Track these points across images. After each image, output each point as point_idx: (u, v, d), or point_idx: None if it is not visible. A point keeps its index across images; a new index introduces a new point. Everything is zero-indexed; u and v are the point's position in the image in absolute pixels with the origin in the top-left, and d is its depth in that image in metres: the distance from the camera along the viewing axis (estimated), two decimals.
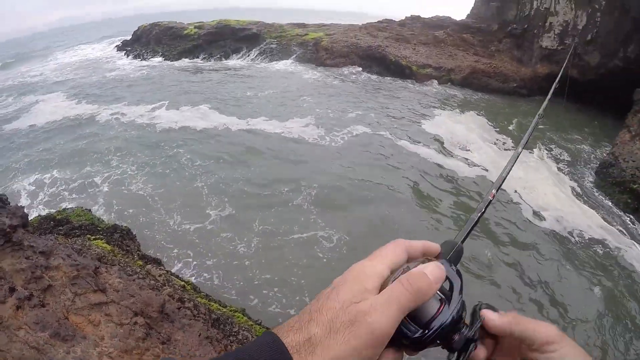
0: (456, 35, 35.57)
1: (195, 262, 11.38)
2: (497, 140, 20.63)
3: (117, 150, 19.03)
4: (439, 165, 17.58)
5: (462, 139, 20.21)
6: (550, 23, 29.14)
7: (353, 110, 23.94)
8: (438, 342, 0.92)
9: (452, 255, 1.07)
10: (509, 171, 1.66)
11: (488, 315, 1.00)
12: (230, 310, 8.22)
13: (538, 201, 15.17)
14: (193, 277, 10.46)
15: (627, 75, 22.93)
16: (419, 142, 19.69)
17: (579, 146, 21.09)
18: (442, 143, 19.76)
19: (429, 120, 22.78)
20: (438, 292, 0.93)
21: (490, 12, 35.66)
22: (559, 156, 19.63)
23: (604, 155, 18.17)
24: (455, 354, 0.96)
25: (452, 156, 18.45)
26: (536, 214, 14.46)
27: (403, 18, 43.01)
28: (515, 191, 15.71)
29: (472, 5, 39.72)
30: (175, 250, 11.88)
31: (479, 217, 1.32)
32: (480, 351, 1.01)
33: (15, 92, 34.64)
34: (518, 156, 1.78)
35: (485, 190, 1.66)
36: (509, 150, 19.53)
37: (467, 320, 1.00)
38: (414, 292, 0.87)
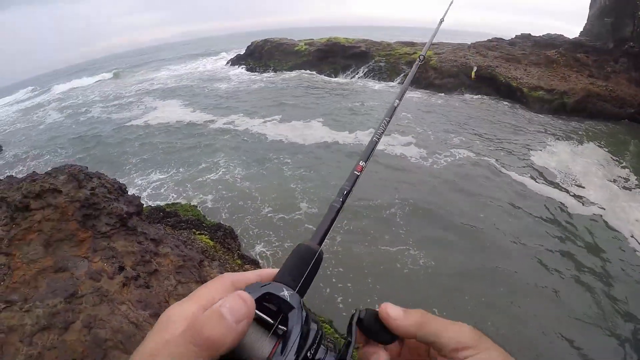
0: (569, 54, 34.35)
1: None
2: (617, 176, 19.32)
3: (228, 155, 20.98)
4: (548, 198, 16.95)
5: (575, 173, 19.33)
6: None
7: (456, 134, 24.01)
8: None
9: (295, 270, 0.92)
10: (382, 134, 1.43)
11: (390, 311, 0.92)
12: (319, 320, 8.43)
13: None
14: None
15: None
16: (526, 174, 19.13)
17: None
18: (553, 176, 19.03)
19: (539, 150, 22.00)
20: (278, 325, 0.79)
21: (605, 28, 34.14)
22: None
23: None
24: None
25: (563, 191, 17.63)
26: None
27: (513, 37, 42.13)
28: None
29: (585, 21, 38.34)
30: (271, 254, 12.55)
31: (340, 207, 1.12)
32: (382, 356, 0.93)
33: (137, 97, 39.73)
34: (394, 110, 1.64)
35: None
36: (627, 189, 18.10)
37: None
38: (203, 344, 0.67)
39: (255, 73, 47.84)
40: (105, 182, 6.89)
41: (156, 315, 4.76)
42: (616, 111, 28.60)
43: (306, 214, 14.86)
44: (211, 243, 9.83)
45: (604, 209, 16.06)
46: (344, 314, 9.53)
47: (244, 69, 50.87)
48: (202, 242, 9.55)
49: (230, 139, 23.66)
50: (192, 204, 14.14)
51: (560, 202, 16.59)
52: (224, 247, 10.39)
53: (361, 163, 1.26)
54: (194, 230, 10.89)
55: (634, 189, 18.10)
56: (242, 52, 56.38)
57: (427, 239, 13.54)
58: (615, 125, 27.44)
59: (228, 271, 6.71)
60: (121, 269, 5.60)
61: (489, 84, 33.82)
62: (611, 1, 34.00)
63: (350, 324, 0.92)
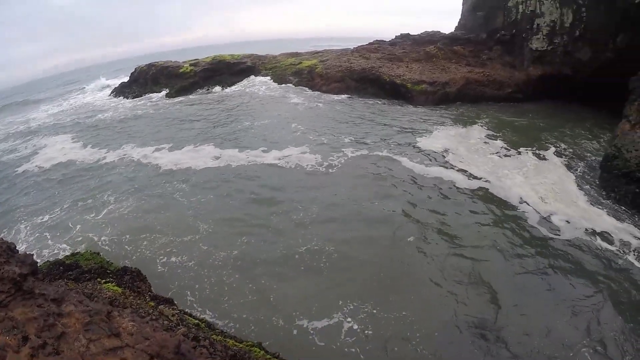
0: (447, 48, 35.89)
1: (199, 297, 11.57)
2: (497, 149, 20.73)
3: (124, 189, 19.50)
4: (438, 178, 17.73)
5: (459, 153, 20.37)
6: (538, 25, 29.52)
7: (348, 134, 24.27)
8: None
9: None
10: None
11: None
12: (247, 345, 8.16)
13: (545, 206, 15.18)
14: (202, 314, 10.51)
15: (619, 66, 23.05)
16: (416, 159, 19.86)
17: (579, 143, 21.13)
18: (441, 157, 19.96)
19: (425, 137, 22.93)
20: None
21: (478, 22, 36.14)
22: (561, 155, 19.64)
23: (608, 149, 17.62)
24: None
25: (450, 169, 18.57)
26: (544, 219, 14.39)
27: (393, 37, 43.16)
28: (521, 198, 15.72)
29: (460, 17, 39.99)
30: (185, 286, 12.11)
31: None
32: None
33: (21, 137, 36.21)
34: None
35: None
36: (509, 157, 19.73)
37: None
38: None
39: (141, 99, 45.74)
40: None
41: None
42: (496, 93, 30.77)
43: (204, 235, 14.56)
44: (119, 290, 9.25)
45: (489, 181, 17.15)
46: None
47: (130, 97, 48.51)
48: (109, 290, 8.99)
49: (123, 172, 22.20)
50: (92, 251, 12.96)
51: (450, 180, 17.38)
52: (134, 291, 9.78)
53: None
54: (98, 279, 10.16)
55: (512, 156, 19.71)
56: (126, 79, 54.17)
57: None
58: (494, 106, 29.69)
59: (142, 317, 6.81)
60: (25, 339, 5.01)
61: (374, 84, 34.61)
62: None
63: None
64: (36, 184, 22.14)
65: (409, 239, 13.28)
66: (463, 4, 40.24)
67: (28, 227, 16.94)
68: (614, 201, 15.35)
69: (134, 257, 13.80)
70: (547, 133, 22.40)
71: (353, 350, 9.10)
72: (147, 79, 48.68)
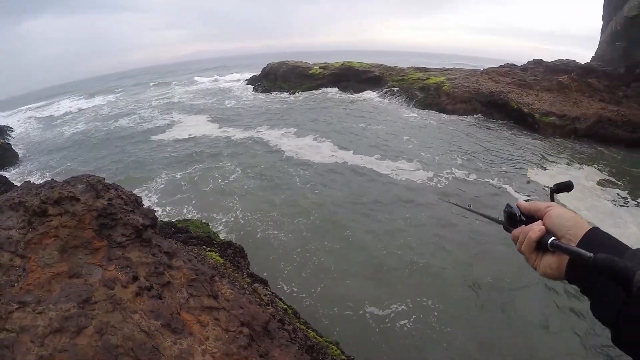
0: (581, 80, 34.39)
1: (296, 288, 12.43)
2: (614, 197, 19.84)
3: (244, 171, 22.07)
4: None
5: (575, 193, 19.56)
6: None
7: (460, 155, 24.75)
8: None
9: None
10: None
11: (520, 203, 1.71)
12: (326, 341, 8.54)
13: None
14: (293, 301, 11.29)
15: None
16: (524, 191, 19.85)
17: None
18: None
19: (539, 170, 22.74)
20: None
21: (617, 53, 34.41)
22: None
23: None
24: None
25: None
26: None
27: (525, 62, 42.07)
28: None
29: (597, 46, 38.21)
30: (284, 273, 13.15)
31: None
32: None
33: (162, 111, 42.26)
34: None
35: None
36: (626, 206, 18.81)
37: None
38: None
39: (270, 94, 48.29)
40: (122, 194, 6.91)
41: (168, 326, 5.14)
42: (629, 136, 28.49)
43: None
44: (221, 260, 9.79)
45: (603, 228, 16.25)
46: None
47: (259, 90, 51.33)
48: (212, 259, 9.54)
49: (247, 152, 25.21)
50: (203, 221, 14.14)
51: None
52: (234, 265, 10.40)
53: None
54: (204, 247, 10.87)
55: (630, 206, 18.87)
56: (258, 73, 56.95)
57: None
58: (624, 149, 27.66)
59: (239, 289, 7.25)
60: (135, 278, 5.63)
61: (501, 109, 34.12)
62: (622, 26, 34.19)
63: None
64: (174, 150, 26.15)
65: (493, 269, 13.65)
66: (601, 32, 38.49)
67: (156, 187, 20.32)
68: None
69: (242, 234, 15.38)
70: None
71: None
72: (278, 75, 51.23)
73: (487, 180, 20.89)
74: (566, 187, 1.73)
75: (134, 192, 7.44)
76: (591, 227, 1.39)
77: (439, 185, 20.14)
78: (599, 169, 23.35)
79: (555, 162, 24.20)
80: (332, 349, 8.25)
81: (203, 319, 5.63)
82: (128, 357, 4.60)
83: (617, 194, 20.04)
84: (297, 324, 8.23)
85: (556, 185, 1.74)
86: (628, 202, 19.24)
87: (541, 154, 25.60)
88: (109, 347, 4.61)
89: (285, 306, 9.08)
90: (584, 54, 45.39)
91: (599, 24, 40.30)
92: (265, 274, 12.09)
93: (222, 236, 14.01)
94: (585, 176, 22.16)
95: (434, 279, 13.04)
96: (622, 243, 1.28)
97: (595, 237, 1.33)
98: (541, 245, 1.47)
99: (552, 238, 1.40)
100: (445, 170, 21.82)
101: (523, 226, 1.59)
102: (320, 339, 8.39)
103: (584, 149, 27.52)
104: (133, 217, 6.48)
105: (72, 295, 4.96)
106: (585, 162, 24.52)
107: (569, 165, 24.03)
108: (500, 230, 1.82)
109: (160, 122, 35.91)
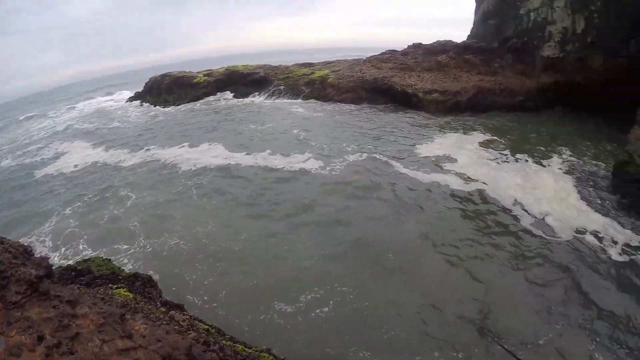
0: (458, 57, 35.94)
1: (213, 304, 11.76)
2: (497, 156, 21.14)
3: (140, 194, 20.40)
4: (435, 182, 18.36)
5: (458, 158, 20.99)
6: (550, 32, 29.54)
7: (349, 141, 25.04)
8: None
9: None
10: None
11: None
12: (256, 351, 8.28)
13: (540, 208, 15.58)
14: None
15: (631, 72, 23.54)
16: (413, 165, 20.53)
17: (585, 151, 21.36)
18: (439, 163, 20.57)
19: (426, 144, 23.58)
20: None
21: (489, 30, 36.24)
22: (564, 162, 20.00)
23: (619, 155, 17.94)
24: None
25: (448, 174, 19.15)
26: (537, 220, 14.82)
27: (405, 47, 43.29)
28: (515, 200, 16.23)
29: (472, 26, 40.06)
30: (197, 294, 12.30)
31: None
32: None
33: (44, 142, 38.51)
34: None
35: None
36: (508, 162, 20.19)
37: None
38: None
39: (156, 107, 46.54)
40: (9, 247, 6.29)
41: None
42: (507, 101, 30.62)
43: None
44: (131, 295, 9.22)
45: (485, 183, 17.76)
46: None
47: (145, 105, 49.38)
48: (120, 296, 8.92)
49: (144, 173, 23.56)
50: (104, 257, 13.26)
51: (445, 184, 18.08)
52: (145, 297, 9.89)
53: None
54: (110, 285, 10.20)
55: (511, 162, 20.18)
56: (141, 89, 54.92)
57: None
58: (504, 114, 29.77)
59: (154, 321, 6.92)
60: (40, 338, 5.10)
61: (386, 94, 34.91)
62: (494, 5, 36.22)
63: None
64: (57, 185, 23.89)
65: (402, 236, 14.11)
66: (475, 13, 40.51)
67: (44, 230, 17.97)
68: (625, 207, 15.40)
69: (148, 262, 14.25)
70: (553, 141, 22.71)
71: None
72: (162, 88, 49.59)
73: (378, 159, 21.41)
74: None
75: (21, 241, 6.87)
76: None
77: (333, 172, 20.27)
78: (482, 134, 24.77)
79: (441, 134, 25.29)
80: (264, 356, 8.18)
81: None
82: None
83: (500, 153, 21.35)
84: (223, 341, 8.00)
85: None
86: (508, 158, 20.63)
87: (427, 129, 26.68)
88: None
89: (207, 326, 8.72)
90: (460, 34, 47.44)
91: (472, 6, 42.41)
92: (179, 298, 11.47)
93: (128, 268, 13.24)
94: (470, 141, 23.43)
95: (337, 262, 12.98)
96: None
97: None
98: None
99: None
100: (338, 157, 22.08)
101: None
102: (250, 350, 8.35)
103: (467, 118, 29.11)
104: (25, 270, 5.95)
105: None
106: (469, 129, 25.97)
107: (453, 134, 25.22)
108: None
109: (44, 155, 31.98)
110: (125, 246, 15.35)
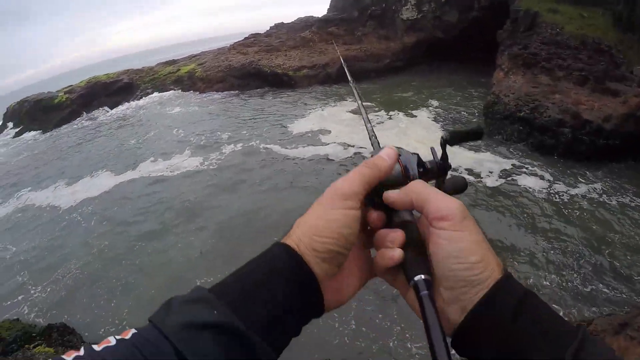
0: (322, 31, 36.51)
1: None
2: (371, 119, 21.08)
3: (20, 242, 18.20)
4: (315, 155, 18.55)
5: (332, 129, 21.20)
6: None
7: (225, 131, 24.59)
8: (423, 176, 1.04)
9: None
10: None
11: (388, 193, 1.00)
12: None
13: None
14: None
15: (486, 23, 24.90)
16: (291, 144, 20.53)
17: (451, 99, 22.46)
18: (315, 137, 20.74)
19: (298, 121, 23.74)
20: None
21: (348, 1, 36.61)
22: (432, 112, 21.07)
23: (487, 97, 19.08)
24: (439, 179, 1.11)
25: (326, 144, 19.42)
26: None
27: (268, 29, 42.87)
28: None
29: None
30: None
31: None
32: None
33: None
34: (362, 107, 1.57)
35: None
36: (382, 122, 21.00)
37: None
38: (371, 164, 0.99)
39: (21, 142, 42.51)
40: None
41: None
42: (375, 66, 31.81)
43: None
44: (52, 350, 8.84)
45: (363, 147, 17.99)
46: None
47: (6, 139, 45.14)
48: (41, 354, 8.52)
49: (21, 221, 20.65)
50: (11, 319, 11.75)
51: (325, 155, 18.34)
52: (66, 346, 9.29)
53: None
54: (27, 345, 9.43)
55: (385, 122, 21.09)
56: None
57: None
58: (375, 79, 30.73)
59: None
60: None
61: (257, 77, 34.59)
62: None
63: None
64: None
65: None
66: None
67: None
68: (501, 141, 16.78)
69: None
70: (422, 94, 23.72)
71: None
72: (22, 117, 45.42)
73: (252, 144, 21.29)
74: (475, 134, 1.12)
75: None
76: (502, 276, 0.85)
77: (211, 167, 19.82)
78: (353, 101, 24.64)
79: (314, 108, 25.43)
80: None
81: None
82: None
83: (373, 115, 21.84)
84: None
85: (452, 133, 1.12)
86: (382, 118, 21.36)
87: (301, 106, 26.77)
88: None
89: None
90: (320, 10, 47.72)
91: None
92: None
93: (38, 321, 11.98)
94: (343, 110, 23.76)
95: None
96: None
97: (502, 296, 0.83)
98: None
99: (422, 278, 0.86)
100: (215, 150, 21.62)
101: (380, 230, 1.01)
102: None
103: (339, 88, 29.52)
104: None
105: None
106: (342, 99, 26.37)
107: (327, 106, 25.54)
108: None
109: None
110: (20, 297, 13.84)
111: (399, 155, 1.04)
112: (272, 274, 0.83)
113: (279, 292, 0.81)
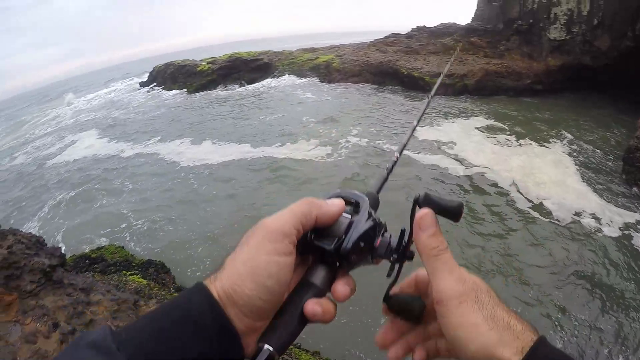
0: (464, 40, 35.76)
1: None
2: (500, 141, 21.01)
3: (140, 185, 20.54)
4: (435, 165, 18.53)
5: (459, 142, 20.90)
6: (555, 14, 29.35)
7: (354, 126, 24.99)
8: (361, 252, 0.96)
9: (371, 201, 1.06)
10: (409, 138, 1.62)
11: (424, 220, 0.94)
12: None
13: (538, 191, 15.58)
14: None
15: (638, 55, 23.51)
16: (416, 149, 20.43)
17: (591, 135, 21.09)
18: (440, 147, 20.54)
19: (428, 128, 23.51)
20: (347, 215, 0.99)
21: (494, 11, 35.89)
22: (567, 146, 19.86)
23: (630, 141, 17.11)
24: (392, 266, 1.01)
25: (448, 158, 19.16)
26: (536, 203, 14.82)
27: (409, 30, 43.04)
28: (514, 183, 16.28)
29: (476, 7, 39.63)
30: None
31: (388, 175, 1.29)
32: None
33: (54, 135, 37.93)
34: (414, 128, 1.79)
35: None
36: (510, 147, 20.17)
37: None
38: (309, 201, 0.93)
39: (160, 98, 46.08)
40: (21, 238, 6.30)
41: None
42: (515, 84, 30.38)
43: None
44: (144, 282, 9.42)
45: (487, 167, 17.73)
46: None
47: (149, 95, 49.06)
48: (134, 282, 9.13)
49: (145, 166, 23.42)
50: (117, 244, 13.40)
51: (445, 167, 18.11)
52: (159, 283, 10.00)
53: (396, 154, 1.42)
54: (124, 272, 10.41)
55: (514, 146, 20.12)
56: (145, 79, 54.74)
57: None
58: (512, 97, 29.60)
59: None
60: (55, 325, 5.20)
61: (392, 77, 34.78)
62: None
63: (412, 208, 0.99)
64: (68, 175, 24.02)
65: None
66: None
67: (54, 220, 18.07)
68: (636, 195, 15.04)
69: (159, 249, 14.31)
70: (559, 125, 22.43)
71: None
72: (166, 77, 49.29)
73: (378, 142, 21.59)
74: (452, 214, 0.96)
75: (32, 232, 6.90)
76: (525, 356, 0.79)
77: (339, 158, 20.39)
78: (486, 117, 24.69)
79: (445, 118, 25.18)
80: (294, 351, 7.95)
81: None
82: None
83: (503, 137, 21.22)
84: None
85: (427, 198, 0.98)
86: (511, 142, 20.51)
87: (433, 113, 26.37)
88: None
89: None
90: (462, 18, 47.13)
91: None
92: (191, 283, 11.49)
93: (141, 252, 13.44)
94: (473, 125, 23.33)
95: None
96: None
97: None
98: None
99: (269, 349, 0.82)
100: (342, 143, 22.14)
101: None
102: None
103: (473, 102, 28.93)
104: (38, 260, 6.02)
105: None
106: (474, 114, 25.81)
107: (458, 118, 25.14)
108: None
109: (51, 148, 31.58)
110: (126, 234, 15.65)
111: (350, 215, 0.98)
112: (186, 323, 0.77)
113: (191, 345, 0.75)
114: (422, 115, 1.78)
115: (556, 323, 9.28)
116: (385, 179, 1.26)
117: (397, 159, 1.38)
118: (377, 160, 19.54)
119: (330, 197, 1.02)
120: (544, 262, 11.55)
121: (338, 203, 0.97)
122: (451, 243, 12.42)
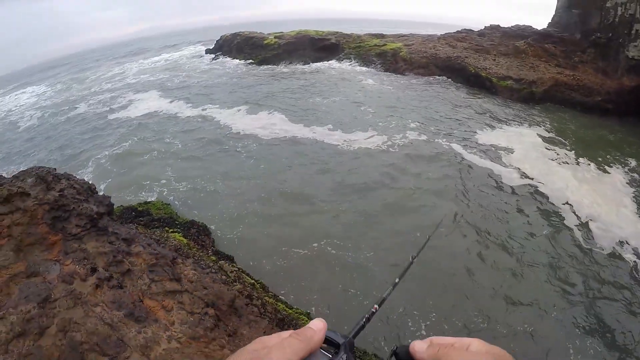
0: (537, 45, 34.85)
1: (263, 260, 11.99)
2: (559, 155, 20.48)
3: (196, 148, 21.36)
4: (488, 170, 18.46)
5: (517, 151, 20.59)
6: (637, 30, 27.83)
7: (414, 120, 24.92)
8: None
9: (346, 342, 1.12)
10: (389, 294, 1.57)
11: (416, 347, 1.07)
12: (297, 313, 8.39)
13: (588, 211, 15.31)
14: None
15: None
16: (472, 150, 20.51)
17: None
18: (497, 153, 20.37)
19: (489, 131, 23.34)
20: (327, 353, 1.05)
21: (573, 20, 34.74)
22: (627, 172, 19.14)
23: None
24: None
25: (503, 165, 18.93)
26: (583, 224, 14.56)
27: (482, 28, 42.25)
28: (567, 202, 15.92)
29: (554, 13, 38.41)
30: (248, 248, 12.56)
31: (365, 323, 1.33)
32: None
33: (117, 92, 39.39)
34: (395, 284, 1.70)
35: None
36: (568, 164, 19.56)
37: None
38: (302, 336, 1.00)
39: (228, 66, 46.62)
40: (74, 183, 6.80)
41: (131, 315, 5.25)
42: (584, 100, 29.16)
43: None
44: (185, 240, 9.82)
45: (538, 182, 17.39)
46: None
47: (213, 62, 49.79)
48: (175, 239, 9.51)
49: (196, 127, 24.72)
50: (164, 202, 14.08)
51: (498, 174, 17.98)
52: (198, 244, 10.45)
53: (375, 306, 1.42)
54: (166, 228, 10.93)
55: (571, 164, 19.55)
56: (211, 47, 55.45)
57: None
58: (578, 113, 28.28)
59: (203, 268, 7.20)
60: (93, 270, 5.63)
61: (459, 74, 34.37)
62: None
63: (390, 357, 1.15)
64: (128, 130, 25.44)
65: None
66: (558, 0, 38.70)
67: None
68: None
69: (205, 211, 14.69)
70: (623, 149, 21.58)
71: None
72: (232, 47, 49.96)
73: (437, 140, 21.46)
74: None
75: (86, 179, 7.16)
76: None
77: (391, 149, 20.42)
78: (548, 130, 24.05)
79: (507, 124, 24.73)
80: (303, 319, 8.39)
81: (167, 304, 5.53)
82: (94, 352, 4.67)
83: (563, 152, 20.67)
84: (266, 297, 8.21)
85: (402, 349, 1.16)
86: (570, 159, 19.96)
87: (495, 116, 26.12)
88: (74, 344, 4.63)
89: (253, 281, 8.97)
90: (539, 21, 45.78)
91: None
92: (231, 251, 11.72)
93: (184, 213, 13.83)
94: (534, 135, 22.87)
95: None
96: None
97: None
98: None
99: None
100: (399, 135, 22.05)
101: None
102: (290, 311, 8.61)
103: (538, 111, 28.13)
104: (87, 206, 6.43)
105: (31, 295, 4.93)
106: (537, 123, 25.15)
107: (520, 125, 24.60)
108: None
109: (115, 103, 33.77)
110: (163, 181, 16.97)
111: (330, 356, 1.04)
112: None
113: None
114: (404, 274, 1.77)
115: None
116: (362, 327, 1.31)
117: (376, 310, 1.41)
118: (429, 154, 19.70)
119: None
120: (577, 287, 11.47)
121: (320, 325, 1.07)
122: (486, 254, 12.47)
